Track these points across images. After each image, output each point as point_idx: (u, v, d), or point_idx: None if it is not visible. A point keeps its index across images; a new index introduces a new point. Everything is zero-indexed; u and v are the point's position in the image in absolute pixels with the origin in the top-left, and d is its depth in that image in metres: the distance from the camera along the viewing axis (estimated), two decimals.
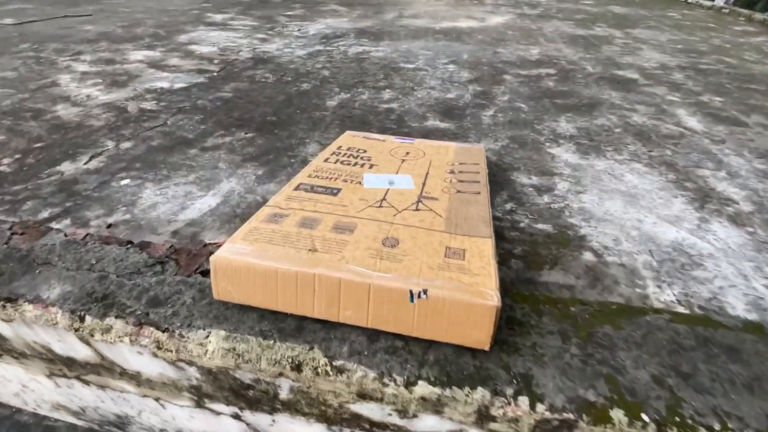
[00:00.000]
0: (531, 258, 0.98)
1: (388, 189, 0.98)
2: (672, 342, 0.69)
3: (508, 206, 1.18)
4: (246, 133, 1.63)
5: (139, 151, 1.47)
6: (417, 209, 0.88)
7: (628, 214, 1.15)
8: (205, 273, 0.84)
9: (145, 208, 1.14)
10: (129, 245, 0.91)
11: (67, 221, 1.08)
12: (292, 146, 1.53)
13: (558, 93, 2.14)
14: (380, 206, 0.89)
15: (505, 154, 1.48)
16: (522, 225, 1.10)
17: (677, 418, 0.56)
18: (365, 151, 1.23)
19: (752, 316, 0.83)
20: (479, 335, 0.62)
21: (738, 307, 0.86)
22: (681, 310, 0.82)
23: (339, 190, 0.96)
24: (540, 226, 1.10)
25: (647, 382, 0.62)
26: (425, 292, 0.62)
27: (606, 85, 2.30)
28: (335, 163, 1.13)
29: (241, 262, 0.68)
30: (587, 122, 1.75)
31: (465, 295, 0.62)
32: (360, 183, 1.00)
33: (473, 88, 2.18)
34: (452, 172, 1.11)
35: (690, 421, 0.56)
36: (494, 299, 0.61)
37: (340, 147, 1.25)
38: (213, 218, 1.10)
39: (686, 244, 1.04)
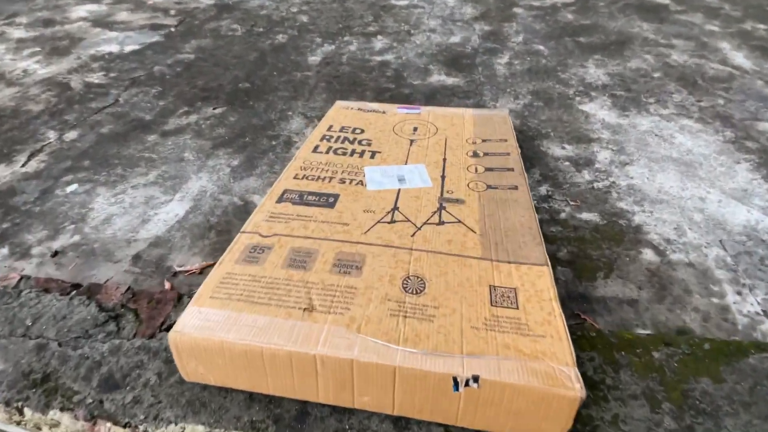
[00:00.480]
0: (580, 263, 0.80)
1: (399, 190, 0.77)
2: None
3: (543, 189, 0.97)
4: (215, 108, 1.35)
5: (87, 143, 1.20)
6: (440, 221, 0.68)
7: (686, 191, 0.95)
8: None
9: (97, 225, 0.92)
10: (73, 291, 0.72)
11: (4, 250, 0.87)
12: (272, 122, 1.27)
13: (580, 29, 1.82)
14: (392, 220, 0.68)
15: (529, 115, 1.24)
16: (563, 215, 0.90)
17: None
18: (362, 131, 0.99)
19: None
20: (552, 429, 0.46)
21: None
22: None
23: (336, 197, 0.74)
24: (585, 215, 0.90)
25: None
26: (475, 379, 0.45)
27: (634, 14, 1.96)
28: (327, 152, 0.89)
29: (212, 340, 0.49)
30: (620, 66, 1.48)
31: (532, 379, 0.44)
32: (362, 183, 0.78)
33: (480, 28, 1.85)
34: (475, 155, 0.88)
35: None
36: (575, 387, 0.44)
37: (331, 126, 1.00)
38: (182, 233, 0.89)
39: (762, 228, 0.86)
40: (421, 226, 0.66)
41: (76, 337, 0.62)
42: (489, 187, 0.76)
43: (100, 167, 1.10)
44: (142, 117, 1.31)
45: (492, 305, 0.53)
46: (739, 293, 0.74)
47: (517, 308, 0.52)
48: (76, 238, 0.89)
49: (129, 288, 0.71)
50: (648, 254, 0.81)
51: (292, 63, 1.62)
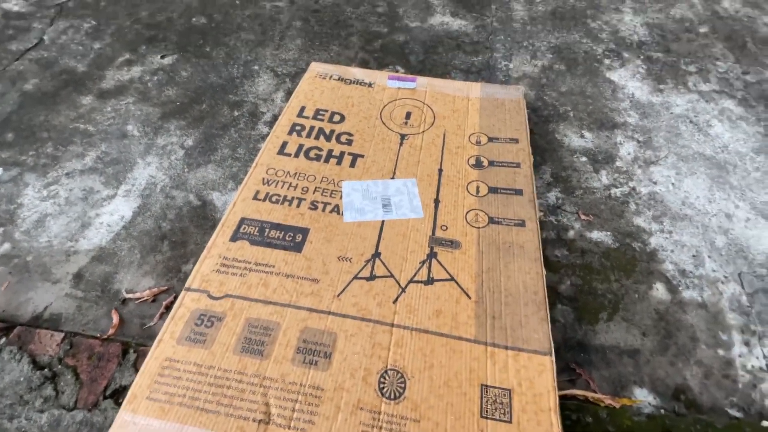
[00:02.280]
0: (583, 300, 0.71)
1: (383, 224, 0.63)
2: None
3: (552, 197, 0.84)
4: (163, 56, 1.09)
5: (9, 106, 0.98)
6: (429, 279, 0.57)
7: (713, 204, 0.83)
8: (120, 393, 0.56)
9: (29, 229, 0.78)
10: (2, 338, 0.61)
11: None
12: (234, 81, 1.04)
13: None
14: (371, 276, 0.57)
15: (547, 84, 1.03)
16: (571, 234, 0.79)
17: None
18: (343, 118, 0.80)
19: None
20: None
21: None
22: None
23: (305, 234, 0.61)
24: (596, 234, 0.79)
25: None
26: None
27: None
28: (297, 155, 0.72)
29: None
30: (661, 13, 1.21)
31: None
32: (338, 210, 0.64)
33: None
34: (479, 163, 0.73)
35: None
36: None
37: (304, 109, 0.81)
38: (129, 243, 0.77)
39: None
40: (406, 286, 0.55)
41: (11, 404, 0.55)
42: (491, 221, 0.63)
43: (26, 143, 0.91)
44: (74, 67, 1.06)
45: (482, 416, 0.45)
46: (747, 343, 0.68)
47: (510, 421, 0.45)
48: (6, 246, 0.76)
49: (65, 336, 0.62)
50: (659, 290, 0.73)
51: None
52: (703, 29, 1.17)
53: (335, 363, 0.48)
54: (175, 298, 0.72)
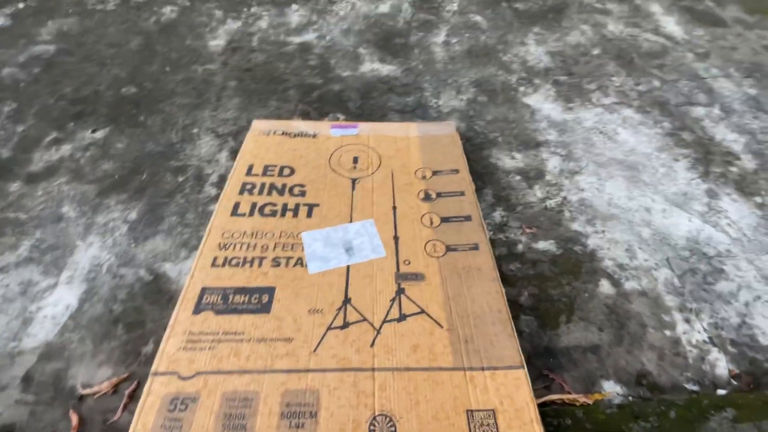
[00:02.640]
0: (543, 307, 0.77)
1: (348, 269, 0.65)
2: None
3: (497, 215, 0.91)
4: (94, 131, 1.05)
5: None
6: (401, 316, 0.59)
7: (633, 201, 0.94)
8: None
9: None
10: None
11: None
12: (173, 147, 1.02)
13: None
14: (344, 323, 0.57)
15: (474, 115, 1.13)
16: (520, 247, 0.85)
17: None
18: (292, 171, 0.82)
19: None
20: None
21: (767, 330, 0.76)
22: (721, 366, 0.68)
23: (271, 294, 0.61)
24: (541, 245, 0.86)
25: None
26: None
27: None
28: (251, 213, 0.73)
29: None
30: (559, 41, 1.39)
31: None
32: (301, 262, 0.65)
33: None
34: (428, 197, 0.77)
35: None
36: None
37: (252, 167, 0.82)
38: (79, 334, 0.71)
39: (702, 239, 0.88)
40: (380, 328, 0.57)
41: None
42: (448, 249, 0.67)
43: None
44: None
45: None
46: (687, 321, 0.76)
47: None
48: None
49: None
50: (604, 286, 0.80)
51: (188, 51, 1.31)
52: (596, 51, 1.36)
53: (322, 421, 0.47)
54: (139, 384, 0.67)
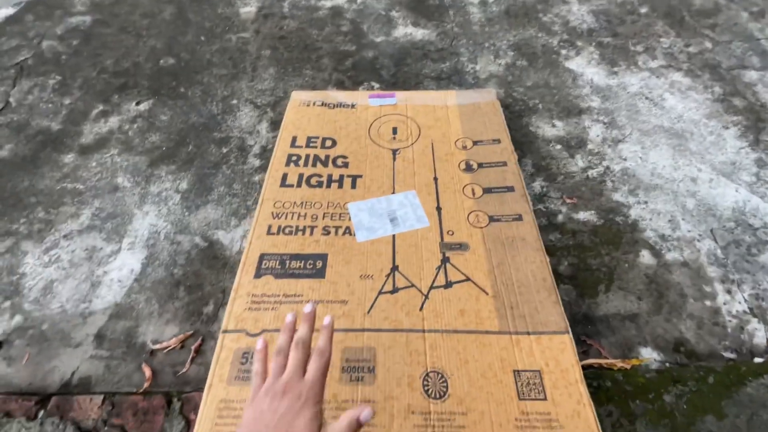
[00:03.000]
0: (582, 276, 0.78)
1: (394, 238, 0.67)
2: None
3: (537, 185, 0.90)
4: (138, 103, 1.09)
5: None
6: (447, 282, 0.61)
7: (678, 171, 0.92)
8: None
9: (38, 297, 0.78)
10: (41, 411, 0.61)
11: None
12: (215, 118, 1.05)
13: None
14: (394, 289, 0.61)
15: (513, 81, 1.10)
16: (560, 218, 0.86)
17: None
18: (334, 143, 0.83)
19: None
20: None
21: None
22: (759, 335, 0.69)
23: (324, 260, 0.64)
24: (582, 215, 0.86)
25: None
26: None
27: None
28: (299, 185, 0.75)
29: None
30: (603, 0, 1.31)
31: None
32: (349, 231, 0.68)
33: None
34: (469, 167, 0.78)
35: None
36: None
37: (295, 139, 0.84)
38: (145, 295, 0.77)
39: (748, 209, 0.86)
40: (428, 293, 0.60)
41: None
42: (491, 219, 0.69)
43: (14, 211, 0.90)
44: (48, 126, 1.04)
45: (520, 399, 0.50)
46: (728, 291, 0.76)
47: (546, 399, 0.50)
48: (18, 319, 0.75)
49: (104, 398, 0.62)
50: (645, 257, 0.80)
51: (221, 19, 1.30)
52: (643, 9, 1.28)
53: (380, 375, 0.52)
54: (203, 340, 0.74)
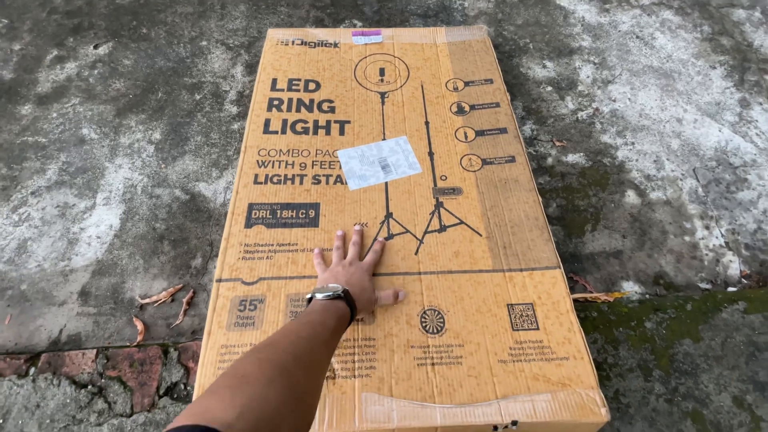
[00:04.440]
0: (569, 217, 0.79)
1: (387, 185, 0.65)
2: (749, 343, 0.63)
3: (528, 128, 0.89)
4: (96, 46, 0.98)
5: None
6: (441, 227, 0.61)
7: (665, 111, 0.92)
8: (173, 389, 0.58)
9: (12, 257, 0.73)
10: (31, 368, 0.60)
11: None
12: (185, 62, 0.96)
13: None
14: (389, 236, 0.60)
15: (503, 19, 1.04)
16: (549, 161, 0.85)
17: None
18: (318, 85, 0.78)
19: None
20: None
21: None
22: (733, 267, 0.72)
23: (317, 209, 0.62)
24: (571, 157, 0.86)
25: (729, 408, 0.59)
26: (514, 423, 0.46)
27: None
28: (284, 131, 0.71)
29: None
30: None
31: (564, 412, 0.47)
32: (341, 180, 0.65)
33: None
34: (461, 110, 0.75)
35: None
36: (601, 413, 0.47)
37: (276, 81, 0.78)
38: (128, 251, 0.74)
39: (730, 149, 0.88)
40: (422, 238, 0.59)
41: (65, 426, 0.55)
42: (484, 162, 0.68)
43: None
44: (0, 75, 0.93)
45: (513, 329, 0.52)
46: (707, 227, 0.79)
47: (538, 328, 0.52)
48: None
49: (98, 352, 0.61)
50: (630, 196, 0.82)
51: None
52: None
53: (379, 315, 0.52)
54: (195, 293, 0.73)
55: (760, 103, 0.95)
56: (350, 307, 0.47)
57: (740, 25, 1.07)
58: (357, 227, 0.60)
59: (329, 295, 0.46)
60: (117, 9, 1.04)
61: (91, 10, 1.03)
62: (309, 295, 0.48)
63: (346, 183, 0.65)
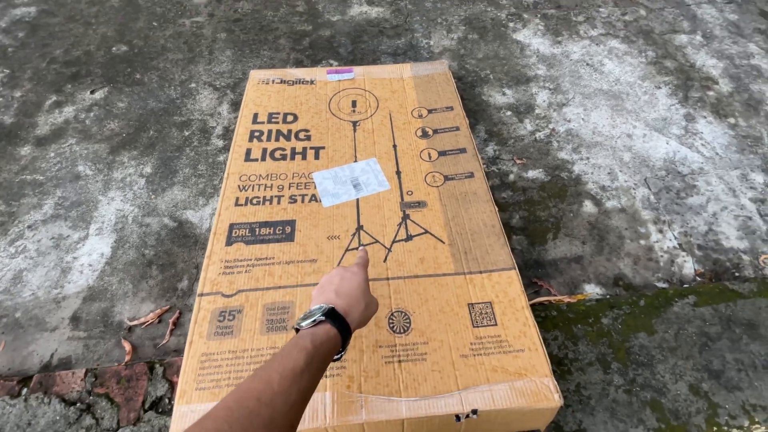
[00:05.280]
0: (532, 227, 0.85)
1: (358, 201, 0.72)
2: (701, 334, 0.68)
3: (490, 149, 0.97)
4: (93, 91, 1.07)
5: None
6: (408, 236, 0.66)
7: (616, 129, 1.01)
8: (159, 404, 0.61)
9: (8, 287, 0.77)
10: (24, 389, 0.62)
11: None
12: (175, 102, 1.05)
13: None
14: (360, 245, 0.65)
15: (465, 54, 1.15)
16: (511, 177, 0.92)
17: (715, 428, 0.59)
18: (296, 117, 0.86)
19: (743, 245, 0.83)
20: (536, 425, 0.55)
21: (731, 235, 0.85)
22: (688, 266, 0.78)
23: (292, 225, 0.68)
24: (531, 173, 0.93)
25: (686, 396, 0.62)
26: (474, 412, 0.50)
27: None
28: (263, 158, 0.78)
29: None
30: None
31: (520, 399, 0.51)
32: (315, 198, 0.72)
33: None
34: (425, 134, 0.83)
35: (726, 428, 0.58)
36: (554, 398, 0.51)
37: (257, 116, 0.86)
38: (118, 276, 0.79)
39: (678, 159, 0.96)
40: (390, 246, 0.65)
41: None
42: (446, 178, 0.74)
43: None
44: (0, 120, 1.01)
45: (474, 326, 0.56)
46: (660, 231, 0.85)
47: (496, 324, 0.57)
48: None
49: (87, 372, 0.64)
50: (588, 206, 0.88)
51: (172, 4, 1.28)
52: None
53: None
54: (180, 314, 0.76)
55: (704, 117, 1.04)
56: (340, 326, 0.42)
57: (682, 49, 1.19)
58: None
59: (312, 321, 0.42)
60: (113, 58, 1.14)
61: (89, 59, 1.13)
62: (295, 326, 0.44)
63: (320, 201, 0.71)
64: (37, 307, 0.75)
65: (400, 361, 0.53)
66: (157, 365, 0.64)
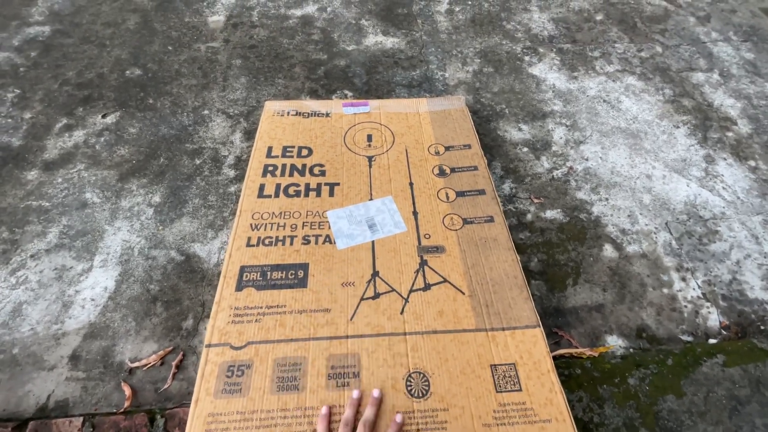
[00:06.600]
0: (551, 272, 0.83)
1: (373, 244, 0.69)
2: (731, 397, 0.64)
3: (507, 186, 0.95)
4: (104, 116, 1.06)
5: None
6: (426, 285, 0.64)
7: (635, 169, 0.99)
8: None
9: (6, 320, 0.74)
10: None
11: None
12: (187, 129, 1.04)
13: None
14: (375, 294, 0.63)
15: (481, 87, 1.14)
16: (529, 217, 0.90)
17: None
18: (310, 151, 0.84)
19: None
20: None
21: (755, 285, 0.82)
22: (712, 318, 0.75)
23: (305, 269, 0.65)
24: (549, 213, 0.91)
25: None
26: None
27: None
28: (277, 195, 0.76)
29: None
30: (562, 7, 1.37)
31: None
32: (329, 239, 0.69)
33: None
34: (442, 172, 0.81)
35: None
36: None
37: (271, 149, 0.84)
38: (121, 313, 0.76)
39: (699, 202, 0.93)
40: (408, 296, 0.62)
41: None
42: (465, 222, 0.72)
43: None
44: (8, 142, 0.99)
45: (497, 391, 0.53)
46: (683, 279, 0.83)
47: (521, 389, 0.53)
48: None
49: (84, 420, 0.61)
50: (608, 250, 0.86)
51: (188, 28, 1.28)
52: (599, 17, 1.36)
53: (364, 379, 0.53)
54: (184, 355, 0.73)
55: (724, 159, 1.02)
56: None
57: (700, 87, 1.18)
58: (375, 393, 0.53)
59: None
60: (126, 81, 1.13)
61: (102, 82, 1.12)
62: None
63: (335, 242, 0.68)
64: (35, 343, 0.72)
65: (418, 430, 0.50)
66: (158, 416, 0.61)
